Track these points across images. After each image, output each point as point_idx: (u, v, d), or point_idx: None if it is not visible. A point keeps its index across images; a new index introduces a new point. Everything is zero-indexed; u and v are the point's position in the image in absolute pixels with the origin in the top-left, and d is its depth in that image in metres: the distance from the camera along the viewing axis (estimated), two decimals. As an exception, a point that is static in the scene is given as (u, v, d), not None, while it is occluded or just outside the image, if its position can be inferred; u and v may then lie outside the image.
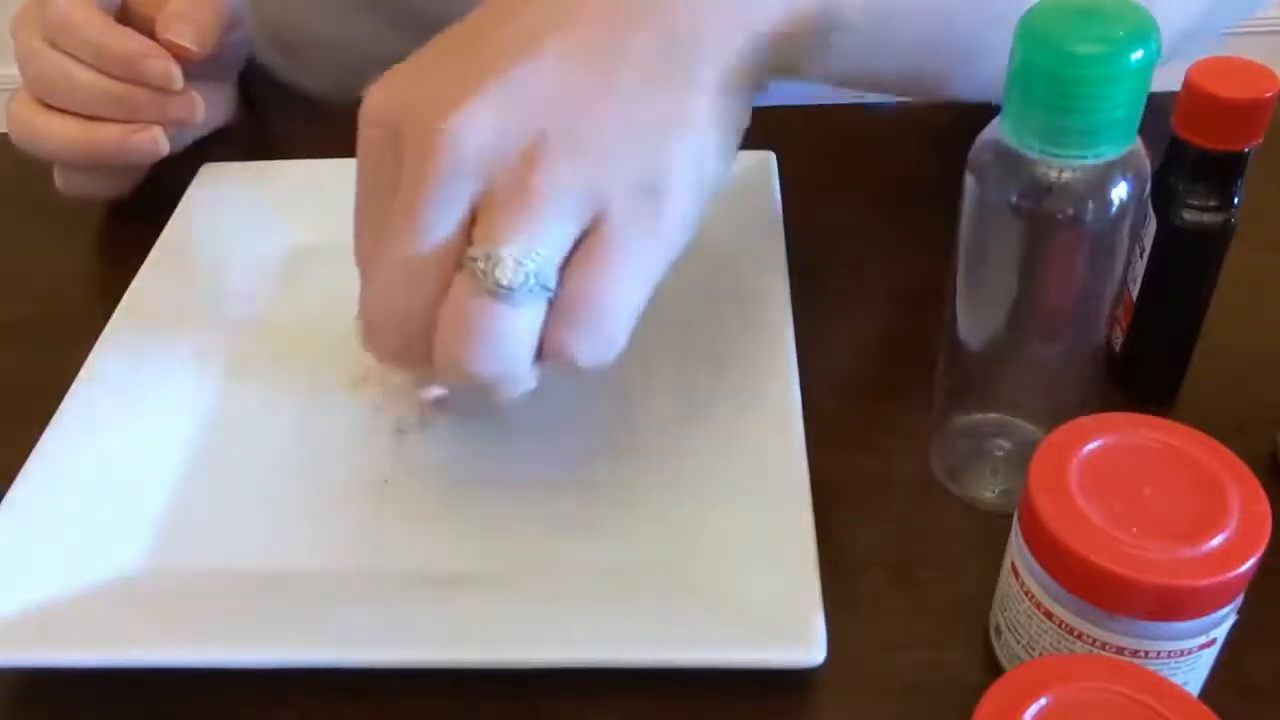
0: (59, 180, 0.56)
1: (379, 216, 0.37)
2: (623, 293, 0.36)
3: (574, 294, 0.35)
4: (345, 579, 0.40)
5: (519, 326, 0.35)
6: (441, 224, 0.35)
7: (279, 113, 0.71)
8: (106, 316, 0.48)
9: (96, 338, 0.47)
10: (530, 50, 0.36)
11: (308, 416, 0.46)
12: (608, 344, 0.36)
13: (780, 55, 0.39)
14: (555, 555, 0.41)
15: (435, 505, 0.43)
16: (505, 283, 0.34)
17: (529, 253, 0.34)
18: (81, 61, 0.51)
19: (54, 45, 0.52)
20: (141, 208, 0.57)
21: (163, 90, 0.52)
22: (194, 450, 0.45)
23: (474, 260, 0.35)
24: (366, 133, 0.38)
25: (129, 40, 0.51)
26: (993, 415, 0.44)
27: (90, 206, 0.58)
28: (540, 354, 0.36)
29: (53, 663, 0.38)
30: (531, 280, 0.35)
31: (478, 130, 0.35)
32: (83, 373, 0.46)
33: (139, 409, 0.45)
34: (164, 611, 0.39)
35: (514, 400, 0.38)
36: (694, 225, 0.37)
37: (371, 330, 0.38)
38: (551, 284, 0.35)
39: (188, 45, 0.52)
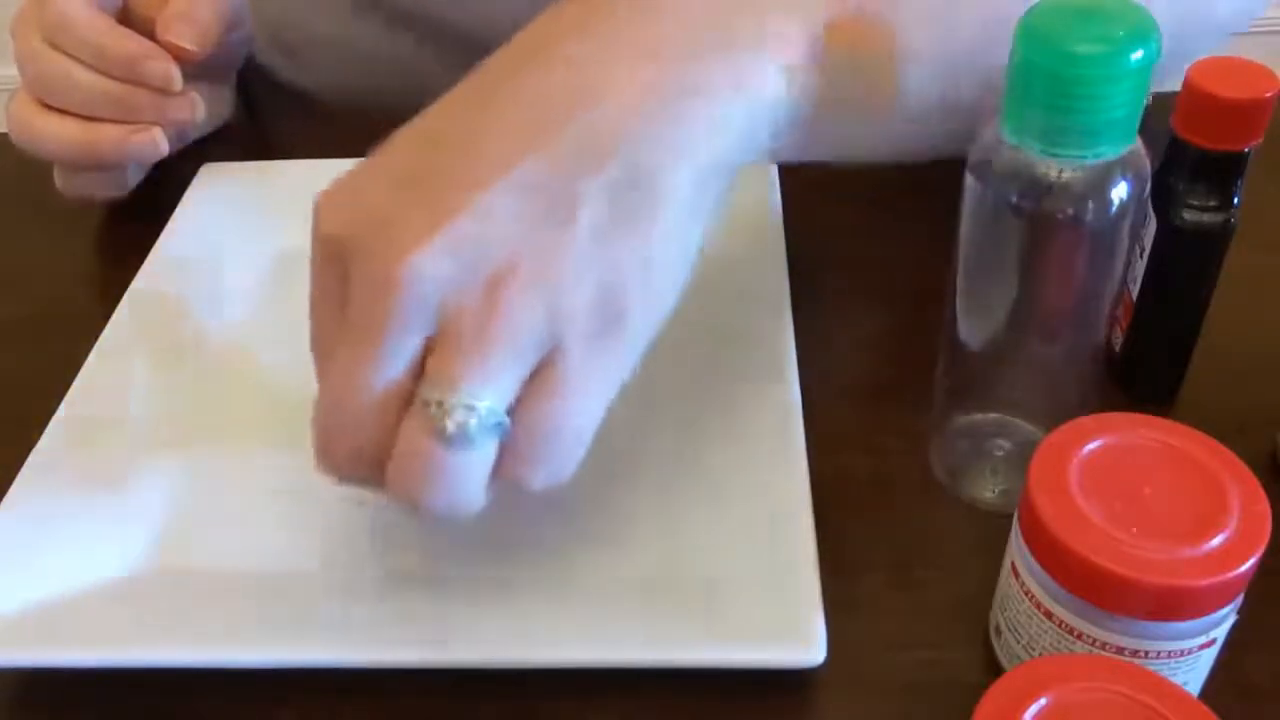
0: (59, 180, 0.56)
1: (332, 326, 0.36)
2: (577, 424, 0.35)
3: (528, 429, 0.35)
4: (345, 579, 0.40)
5: (470, 467, 0.35)
6: (393, 364, 0.34)
7: (279, 113, 0.71)
8: (106, 316, 0.48)
9: (96, 338, 0.47)
10: (492, 181, 0.34)
11: (307, 416, 0.46)
12: (561, 470, 0.36)
13: (747, 157, 0.39)
14: (555, 555, 0.41)
15: (435, 505, 0.43)
16: (456, 430, 0.33)
17: (480, 396, 0.34)
18: (81, 62, 0.51)
19: (54, 46, 0.52)
20: (141, 208, 0.57)
21: (162, 91, 0.52)
22: (194, 450, 0.45)
23: (426, 404, 0.34)
24: (317, 243, 0.36)
25: (129, 41, 0.51)
26: (993, 415, 0.44)
27: (90, 206, 0.58)
28: (493, 474, 0.36)
29: (53, 663, 0.38)
30: (484, 424, 0.34)
31: (435, 273, 0.33)
32: (83, 373, 0.46)
33: (139, 409, 0.45)
34: (164, 611, 0.39)
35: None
36: (653, 335, 0.37)
37: (322, 453, 0.37)
38: (504, 422, 0.34)
39: (187, 46, 0.52)
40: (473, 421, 0.34)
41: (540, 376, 0.35)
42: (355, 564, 0.41)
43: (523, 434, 0.35)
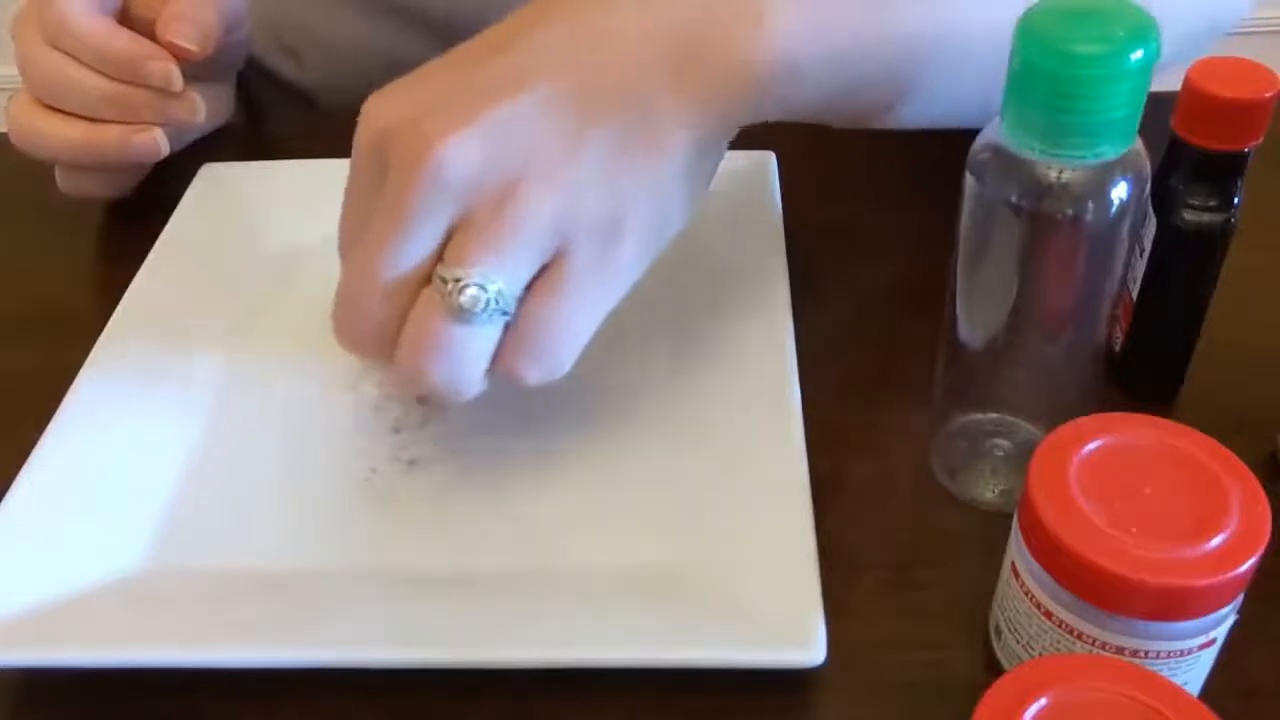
0: (60, 180, 0.56)
1: (363, 216, 0.39)
2: (574, 325, 0.39)
3: (530, 321, 0.38)
4: (345, 579, 0.40)
5: (475, 346, 0.38)
6: (418, 240, 0.38)
7: (279, 113, 0.71)
8: (106, 316, 0.48)
9: (96, 338, 0.47)
10: (522, 89, 0.38)
11: (307, 416, 0.46)
12: (554, 368, 0.39)
13: (749, 114, 0.42)
14: (555, 555, 0.41)
15: (435, 506, 0.43)
16: (467, 306, 0.37)
17: (492, 279, 0.37)
18: (82, 63, 0.51)
19: (55, 47, 0.52)
20: (141, 208, 0.57)
21: (163, 92, 0.52)
22: (194, 450, 0.45)
23: (442, 280, 0.37)
24: (362, 135, 0.40)
25: (130, 43, 0.51)
26: (993, 415, 0.44)
27: (90, 206, 0.58)
28: (492, 366, 0.39)
29: (53, 663, 0.38)
30: (491, 306, 0.37)
31: (465, 160, 0.37)
32: (83, 373, 0.46)
33: (139, 409, 0.45)
34: (164, 611, 0.39)
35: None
36: (645, 268, 0.41)
37: (341, 325, 0.40)
38: (510, 310, 0.38)
39: (189, 46, 0.52)
40: (482, 300, 0.37)
41: (546, 276, 0.38)
42: (355, 564, 0.41)
43: (524, 325, 0.38)
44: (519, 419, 0.46)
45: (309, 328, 0.50)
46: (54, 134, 0.52)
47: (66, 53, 0.51)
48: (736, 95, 0.40)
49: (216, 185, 0.56)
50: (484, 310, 0.37)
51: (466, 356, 0.38)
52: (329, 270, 0.52)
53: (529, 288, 0.38)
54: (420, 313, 0.38)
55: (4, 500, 0.41)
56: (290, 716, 0.37)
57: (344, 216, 0.41)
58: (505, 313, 0.38)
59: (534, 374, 0.39)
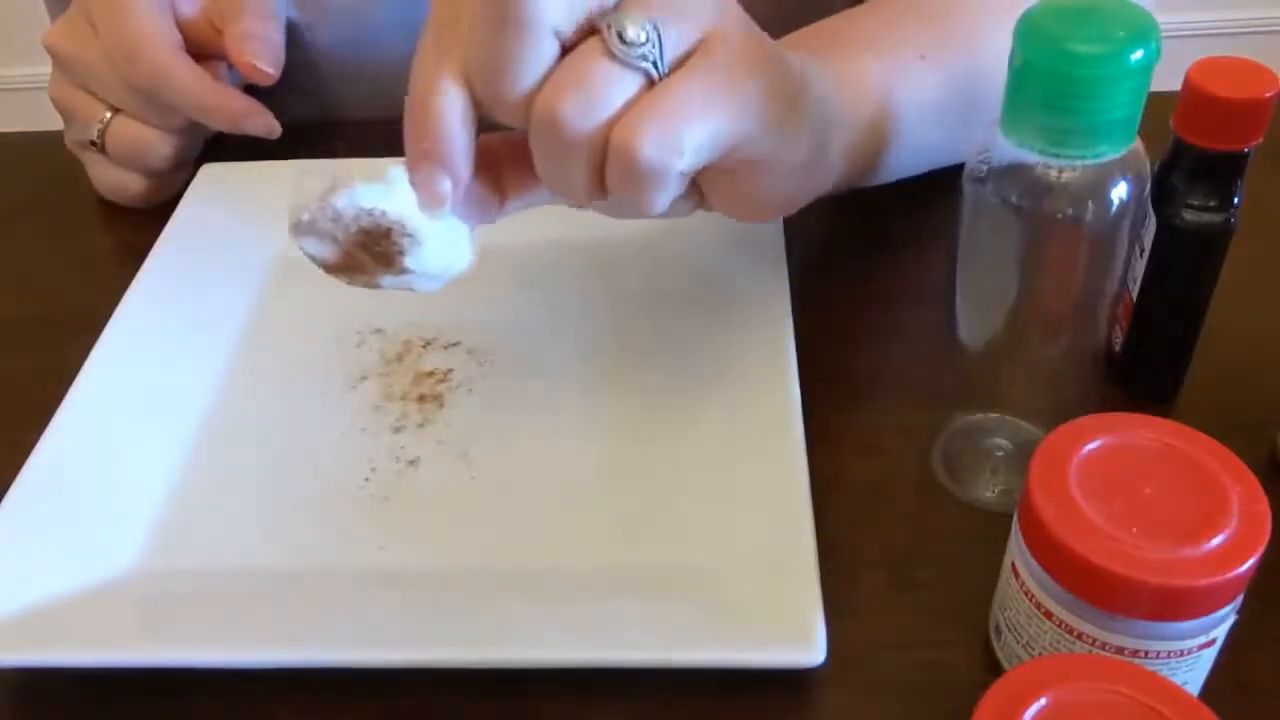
0: (99, 177, 0.56)
1: None
2: (709, 108, 0.38)
3: (675, 83, 0.37)
4: (345, 579, 0.40)
5: (615, 88, 0.37)
6: None
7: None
8: (106, 316, 0.48)
9: (96, 338, 0.47)
10: None
11: (306, 417, 0.46)
12: (673, 146, 0.37)
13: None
14: (555, 555, 0.41)
15: (435, 506, 0.43)
16: (630, 39, 0.36)
17: (654, 26, 0.37)
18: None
19: (136, 88, 0.53)
20: (142, 208, 0.57)
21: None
22: (193, 450, 0.45)
23: (607, 23, 0.37)
24: None
25: (229, 98, 0.53)
26: (993, 415, 0.44)
27: (90, 206, 0.58)
28: (614, 128, 0.37)
29: (53, 663, 0.38)
30: (650, 49, 0.37)
31: None
32: (83, 373, 0.46)
33: (138, 409, 0.45)
34: (164, 611, 0.39)
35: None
36: (759, 114, 0.40)
37: (485, 68, 0.37)
38: (660, 65, 0.37)
39: (265, 69, 0.53)
40: (641, 35, 0.36)
41: (693, 56, 0.38)
42: (355, 564, 0.41)
43: (667, 86, 0.37)
44: (519, 419, 0.46)
45: (309, 328, 0.50)
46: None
47: (154, 98, 0.53)
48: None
49: (216, 185, 0.56)
50: (641, 48, 0.36)
51: (606, 95, 0.37)
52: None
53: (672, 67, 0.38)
54: (578, 52, 0.37)
55: (4, 500, 0.41)
56: (290, 716, 0.38)
57: None
58: (656, 65, 0.37)
59: (651, 145, 0.37)
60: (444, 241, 0.39)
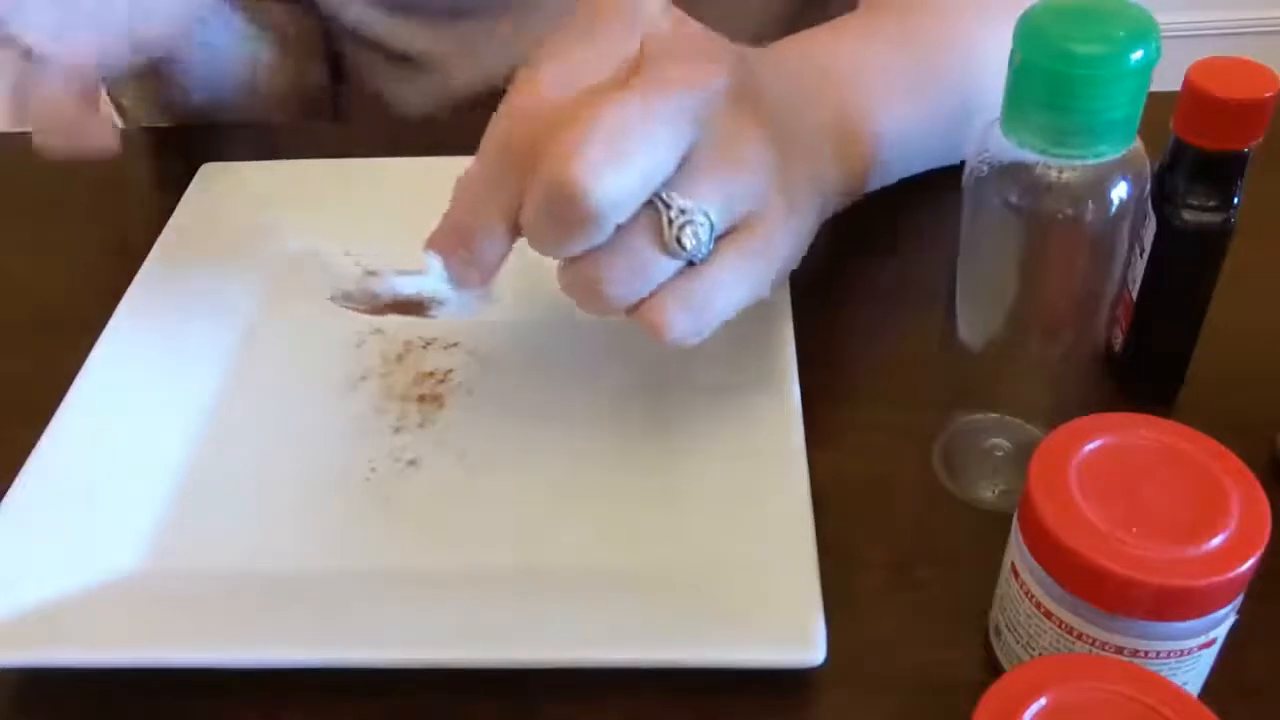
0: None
1: (589, 77, 0.37)
2: (736, 293, 0.39)
3: (705, 276, 0.38)
4: (345, 579, 0.40)
5: (661, 276, 0.37)
6: (671, 143, 0.36)
7: (280, 113, 0.71)
8: (106, 316, 0.48)
9: (96, 338, 0.47)
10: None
11: (307, 417, 0.46)
12: (705, 326, 0.39)
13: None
14: (555, 555, 0.41)
15: (435, 505, 0.43)
16: (686, 244, 0.36)
17: (712, 218, 0.37)
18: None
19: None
20: (142, 208, 0.57)
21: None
22: (193, 450, 0.45)
23: (665, 205, 0.36)
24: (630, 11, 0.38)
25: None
26: (993, 415, 0.44)
27: (90, 206, 0.58)
28: (641, 309, 0.38)
29: (53, 663, 0.38)
30: (700, 246, 0.37)
31: (724, 89, 0.37)
32: (83, 373, 0.46)
33: (139, 409, 0.45)
34: (164, 611, 0.39)
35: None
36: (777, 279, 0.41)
37: (538, 240, 0.37)
38: (703, 254, 0.37)
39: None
40: (697, 241, 0.37)
41: (738, 232, 0.38)
42: (355, 564, 0.41)
43: (706, 271, 0.38)
44: (519, 419, 0.46)
45: (309, 327, 0.50)
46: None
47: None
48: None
49: (216, 185, 0.56)
50: (692, 249, 0.37)
51: (652, 281, 0.37)
52: (329, 270, 0.52)
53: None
54: (634, 230, 0.36)
55: (4, 500, 0.41)
56: (290, 716, 0.38)
57: (555, 54, 0.38)
58: (701, 257, 0.37)
59: (679, 329, 0.38)
60: (471, 295, 0.41)
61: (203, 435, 0.46)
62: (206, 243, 0.53)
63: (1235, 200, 0.40)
